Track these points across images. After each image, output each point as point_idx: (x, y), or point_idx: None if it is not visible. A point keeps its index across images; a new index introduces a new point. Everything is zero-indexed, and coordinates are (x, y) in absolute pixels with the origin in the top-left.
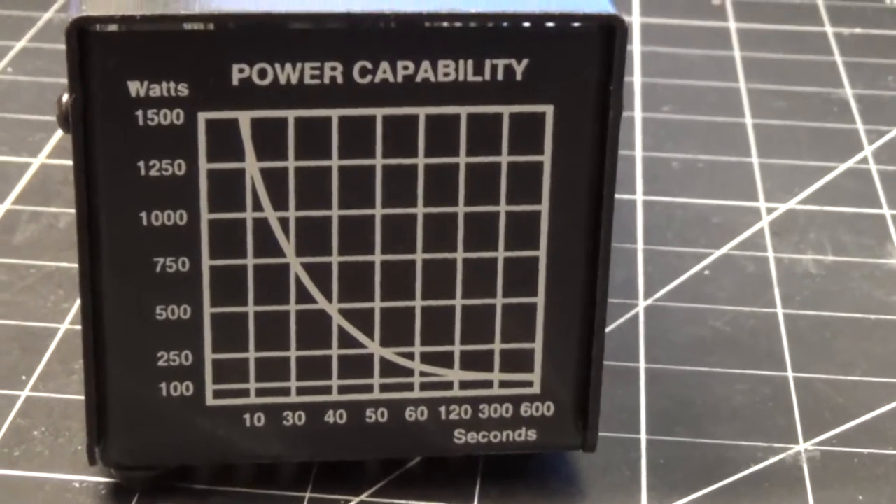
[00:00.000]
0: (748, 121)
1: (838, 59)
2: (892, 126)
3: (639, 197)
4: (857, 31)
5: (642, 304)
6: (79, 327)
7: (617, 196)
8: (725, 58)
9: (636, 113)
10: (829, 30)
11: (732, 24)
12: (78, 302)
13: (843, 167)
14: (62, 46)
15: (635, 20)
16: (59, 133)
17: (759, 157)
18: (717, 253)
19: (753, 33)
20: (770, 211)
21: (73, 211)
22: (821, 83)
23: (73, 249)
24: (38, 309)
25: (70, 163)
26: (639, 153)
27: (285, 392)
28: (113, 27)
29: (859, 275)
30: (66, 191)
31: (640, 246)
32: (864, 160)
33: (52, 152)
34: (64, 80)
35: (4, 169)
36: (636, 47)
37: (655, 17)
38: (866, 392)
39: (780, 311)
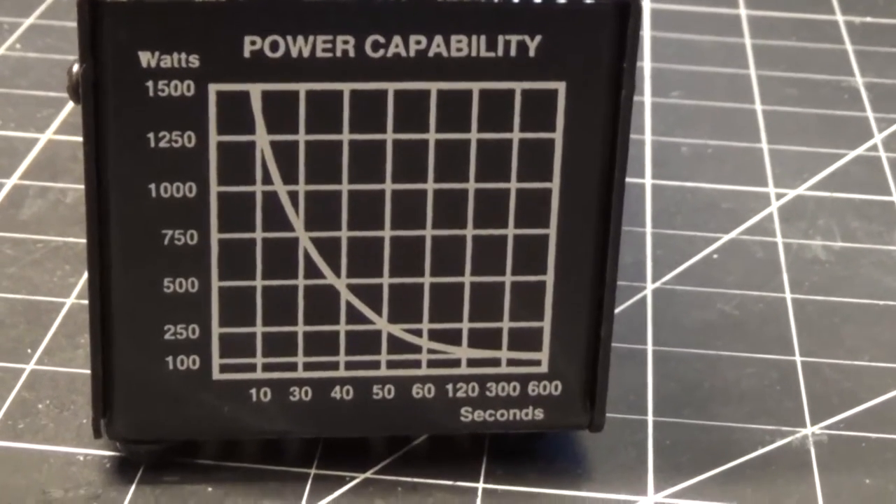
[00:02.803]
0: (758, 107)
1: (849, 47)
2: None
3: (648, 181)
4: (868, 19)
5: (650, 286)
6: (84, 302)
7: (626, 179)
8: (736, 44)
9: (646, 98)
10: (840, 18)
11: (743, 11)
12: (84, 277)
13: (852, 154)
14: (71, 23)
15: (645, 6)
16: (67, 109)
17: (768, 144)
18: (726, 237)
19: (764, 20)
20: (779, 197)
21: (80, 186)
22: (831, 71)
23: (79, 225)
24: (44, 283)
25: (78, 139)
26: (648, 138)
27: (292, 367)
28: None
29: (868, 261)
30: (73, 167)
31: (648, 229)
32: (874, 147)
33: (59, 128)
34: (73, 57)
35: (12, 144)
36: (646, 32)
37: (666, 3)
38: (874, 377)
39: (788, 296)
